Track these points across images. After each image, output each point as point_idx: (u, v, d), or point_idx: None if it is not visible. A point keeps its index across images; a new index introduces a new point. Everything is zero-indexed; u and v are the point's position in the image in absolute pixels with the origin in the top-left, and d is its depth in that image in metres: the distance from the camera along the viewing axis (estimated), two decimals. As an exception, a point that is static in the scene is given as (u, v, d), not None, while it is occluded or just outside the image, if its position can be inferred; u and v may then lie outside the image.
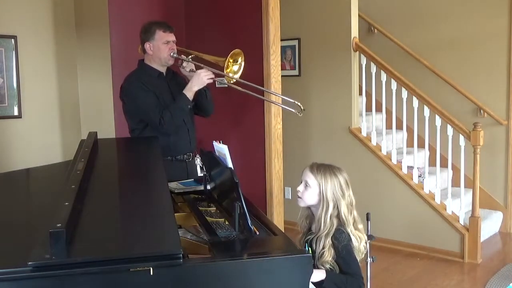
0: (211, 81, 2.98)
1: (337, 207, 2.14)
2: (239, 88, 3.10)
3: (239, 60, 3.07)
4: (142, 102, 2.95)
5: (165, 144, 2.95)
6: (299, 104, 3.09)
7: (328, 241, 2.07)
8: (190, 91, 2.96)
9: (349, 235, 2.10)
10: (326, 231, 2.09)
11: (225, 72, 3.00)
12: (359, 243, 2.13)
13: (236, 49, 3.05)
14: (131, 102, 3.00)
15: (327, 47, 4.93)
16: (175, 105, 2.96)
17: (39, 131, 4.11)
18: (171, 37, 3.02)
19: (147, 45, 3.02)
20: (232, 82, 3.07)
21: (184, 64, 3.05)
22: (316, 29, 5.00)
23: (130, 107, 3.03)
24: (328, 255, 2.05)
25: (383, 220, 4.50)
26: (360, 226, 2.17)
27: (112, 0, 4.04)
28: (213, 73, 2.98)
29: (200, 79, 2.93)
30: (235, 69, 3.05)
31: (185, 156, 3.10)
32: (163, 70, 3.10)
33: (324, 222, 2.11)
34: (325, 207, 2.13)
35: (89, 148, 2.37)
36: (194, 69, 3.06)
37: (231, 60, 3.03)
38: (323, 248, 2.06)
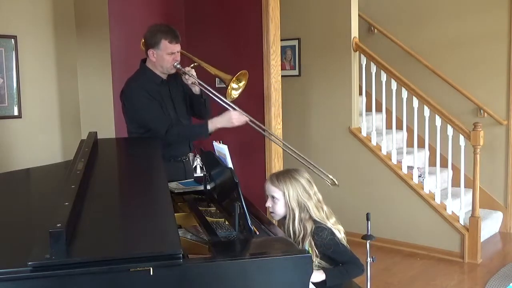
0: (242, 123, 2.95)
1: (306, 210, 2.13)
2: (254, 126, 3.05)
3: (242, 81, 3.05)
4: (147, 112, 2.90)
5: (165, 146, 2.95)
6: (334, 179, 2.87)
7: (308, 242, 2.07)
8: (213, 126, 2.92)
9: (331, 229, 2.11)
10: (302, 235, 2.10)
11: (227, 89, 2.98)
12: (341, 233, 2.15)
13: (243, 71, 3.03)
14: (134, 110, 2.94)
15: (327, 47, 4.93)
16: (189, 129, 2.98)
17: (39, 131, 4.11)
18: (177, 48, 2.93)
19: (150, 52, 2.94)
20: (230, 99, 3.05)
21: (187, 77, 2.97)
22: (316, 29, 5.00)
23: (132, 114, 2.98)
24: (313, 256, 2.06)
25: (383, 220, 4.50)
26: (333, 219, 2.18)
27: (112, 0, 4.04)
28: (246, 117, 2.94)
29: (230, 122, 2.91)
30: (234, 86, 3.03)
31: (182, 156, 3.10)
32: (164, 76, 3.04)
33: (294, 228, 2.11)
34: (291, 215, 2.13)
35: (89, 148, 2.37)
36: (197, 82, 2.99)
37: (235, 80, 3.01)
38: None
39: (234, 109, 2.96)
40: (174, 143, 2.99)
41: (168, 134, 2.87)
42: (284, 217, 2.22)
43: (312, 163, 2.91)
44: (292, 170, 2.21)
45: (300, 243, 2.09)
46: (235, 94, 3.05)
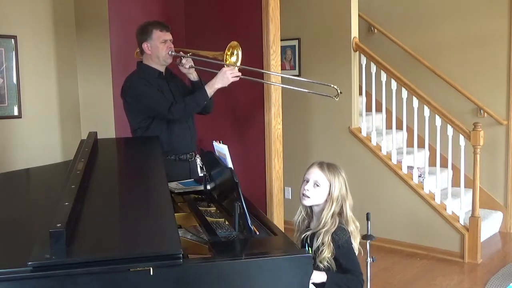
0: (237, 79, 2.98)
1: (341, 205, 2.15)
2: (251, 78, 3.04)
3: (236, 51, 3.05)
4: (148, 95, 2.96)
5: (167, 143, 2.96)
6: (334, 86, 2.98)
7: (328, 238, 2.07)
8: (211, 88, 2.96)
9: (349, 233, 2.11)
10: (327, 228, 2.10)
11: (224, 64, 2.99)
12: (356, 242, 2.16)
13: (233, 41, 3.04)
14: (135, 98, 2.99)
15: (327, 47, 4.93)
16: (192, 97, 2.97)
17: (39, 131, 4.11)
18: (168, 36, 3.03)
19: (145, 45, 3.02)
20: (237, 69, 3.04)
21: (183, 61, 3.05)
22: (316, 29, 5.00)
23: (133, 105, 3.02)
24: (328, 252, 2.06)
25: (383, 220, 4.50)
26: (358, 224, 2.19)
27: (112, 0, 4.04)
28: (238, 70, 2.97)
29: (226, 77, 2.93)
30: (233, 60, 3.04)
31: (187, 155, 3.11)
32: (162, 69, 3.11)
33: (326, 219, 2.12)
34: (330, 205, 2.14)
35: (89, 148, 2.37)
36: (193, 65, 3.07)
37: (228, 53, 3.02)
38: (323, 244, 2.07)
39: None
40: (175, 138, 3.01)
41: (171, 109, 2.91)
42: (308, 206, 2.22)
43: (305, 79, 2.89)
44: (337, 165, 2.22)
45: (321, 236, 2.08)
46: (233, 60, 3.05)
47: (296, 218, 2.28)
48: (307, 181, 2.18)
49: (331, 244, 2.07)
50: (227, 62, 2.99)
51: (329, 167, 2.19)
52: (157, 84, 3.03)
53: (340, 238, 2.08)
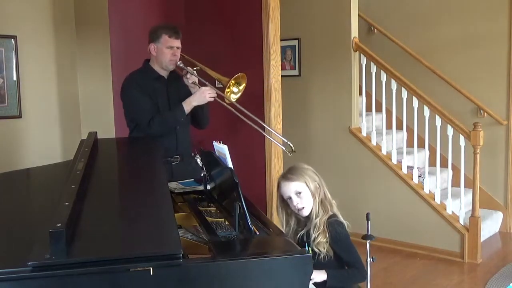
0: (212, 99, 3.03)
1: (323, 192, 2.19)
2: (232, 110, 3.12)
3: (242, 84, 3.13)
4: (133, 103, 3.03)
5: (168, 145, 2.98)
6: (290, 144, 3.24)
7: (323, 225, 2.11)
8: (188, 105, 3.02)
9: (345, 225, 2.14)
10: (320, 216, 2.14)
11: (225, 91, 3.05)
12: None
13: (241, 73, 3.11)
14: (123, 101, 3.08)
15: (327, 47, 4.93)
16: (169, 113, 3.02)
17: (39, 131, 4.11)
18: (176, 43, 3.05)
19: (151, 46, 3.06)
20: (227, 102, 3.11)
21: (188, 75, 3.08)
22: (316, 29, 5.00)
23: (125, 107, 3.10)
24: (323, 237, 2.09)
25: (383, 220, 4.49)
26: (334, 201, 2.24)
27: (112, 0, 4.04)
28: (216, 93, 3.02)
29: (202, 96, 3.00)
30: (234, 90, 3.12)
31: (169, 159, 3.07)
32: (164, 73, 3.12)
33: (317, 210, 2.16)
34: (314, 198, 2.17)
35: (89, 148, 2.37)
36: (197, 82, 3.08)
37: (233, 82, 3.09)
38: (318, 231, 2.10)
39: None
40: (159, 141, 3.01)
41: (151, 123, 2.96)
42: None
43: (270, 129, 3.23)
44: (295, 165, 2.24)
45: (317, 225, 2.11)
46: (234, 97, 3.13)
47: (286, 228, 2.27)
48: (290, 198, 2.19)
49: (326, 230, 2.09)
50: (228, 90, 3.06)
51: (292, 173, 2.20)
52: (152, 88, 3.05)
53: (337, 231, 2.10)
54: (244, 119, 3.13)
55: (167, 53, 3.03)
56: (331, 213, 2.17)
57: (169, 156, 3.06)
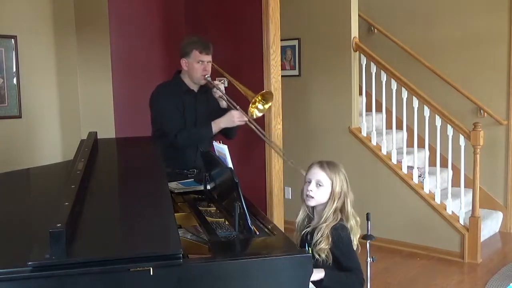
0: (242, 123, 3.07)
1: (343, 201, 2.16)
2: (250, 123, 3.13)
3: (269, 102, 3.15)
4: (162, 114, 3.07)
5: (170, 156, 2.94)
6: (292, 162, 3.30)
7: (327, 231, 2.08)
8: (217, 126, 3.06)
9: (349, 230, 2.12)
10: (328, 223, 2.10)
11: (250, 105, 3.06)
12: (356, 237, 2.17)
13: (269, 91, 3.19)
14: (154, 113, 3.12)
15: (327, 47, 4.93)
16: (196, 130, 3.06)
17: (39, 131, 4.11)
18: (206, 58, 3.08)
19: (183, 61, 3.10)
20: (252, 117, 3.12)
21: (215, 90, 3.10)
22: (316, 29, 5.00)
23: (153, 117, 3.14)
24: (325, 244, 2.06)
25: (383, 220, 4.49)
26: (358, 219, 2.20)
27: (112, 0, 4.04)
28: (245, 118, 3.04)
29: (231, 120, 3.04)
30: (259, 107, 3.13)
31: (185, 171, 3.03)
32: (194, 87, 3.15)
33: (327, 215, 2.13)
34: (332, 202, 2.14)
35: (89, 148, 2.37)
36: (223, 96, 3.10)
37: (259, 98, 3.10)
38: (321, 236, 2.07)
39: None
40: (180, 153, 3.03)
41: (178, 136, 2.99)
42: (311, 206, 2.22)
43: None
44: (336, 162, 2.23)
45: (322, 229, 2.09)
46: (257, 113, 3.14)
47: (298, 219, 2.28)
48: (309, 182, 2.17)
49: (329, 237, 2.07)
50: (252, 106, 3.07)
51: (329, 165, 2.19)
52: (181, 100, 3.08)
53: (340, 235, 2.08)
54: (258, 133, 3.16)
55: (198, 68, 3.05)
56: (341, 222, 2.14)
57: (186, 169, 3.03)
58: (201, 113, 3.14)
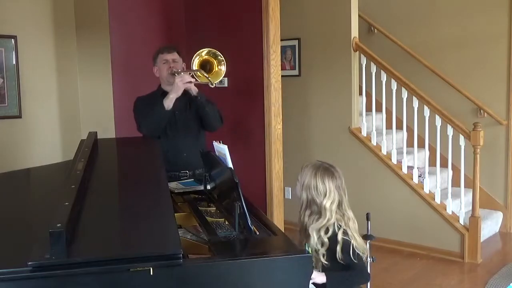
0: (187, 86, 2.98)
1: (312, 197, 2.20)
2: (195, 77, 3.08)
3: (213, 63, 3.09)
4: (135, 111, 3.14)
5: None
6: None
7: (322, 238, 2.09)
8: (167, 99, 3.00)
9: (351, 241, 2.11)
10: (312, 225, 2.14)
11: (202, 76, 3.03)
12: (357, 240, 2.15)
13: (201, 51, 3.06)
14: (134, 117, 3.16)
15: (327, 47, 4.93)
16: (152, 112, 3.03)
17: (39, 131, 4.11)
18: (169, 56, 3.13)
19: (154, 69, 3.18)
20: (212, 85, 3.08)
21: (177, 79, 3.01)
22: (316, 29, 5.00)
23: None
24: (323, 249, 2.09)
25: (383, 220, 4.49)
26: (353, 217, 2.22)
27: (112, 1, 4.04)
28: (190, 77, 3.00)
29: (177, 87, 2.98)
30: (215, 70, 3.10)
31: (177, 173, 2.99)
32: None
33: (303, 210, 2.21)
34: (303, 196, 2.22)
35: (89, 148, 2.37)
36: (185, 81, 3.02)
37: (198, 66, 3.04)
38: (318, 239, 2.11)
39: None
40: (169, 155, 2.96)
41: (141, 126, 3.04)
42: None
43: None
44: (328, 165, 2.27)
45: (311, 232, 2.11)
46: (218, 77, 3.10)
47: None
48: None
49: (327, 243, 2.09)
50: (203, 76, 3.04)
51: (307, 166, 2.26)
52: (157, 101, 3.04)
53: (344, 246, 2.08)
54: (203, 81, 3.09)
55: (163, 68, 3.13)
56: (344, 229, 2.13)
57: (176, 171, 2.98)
58: (180, 112, 3.09)
